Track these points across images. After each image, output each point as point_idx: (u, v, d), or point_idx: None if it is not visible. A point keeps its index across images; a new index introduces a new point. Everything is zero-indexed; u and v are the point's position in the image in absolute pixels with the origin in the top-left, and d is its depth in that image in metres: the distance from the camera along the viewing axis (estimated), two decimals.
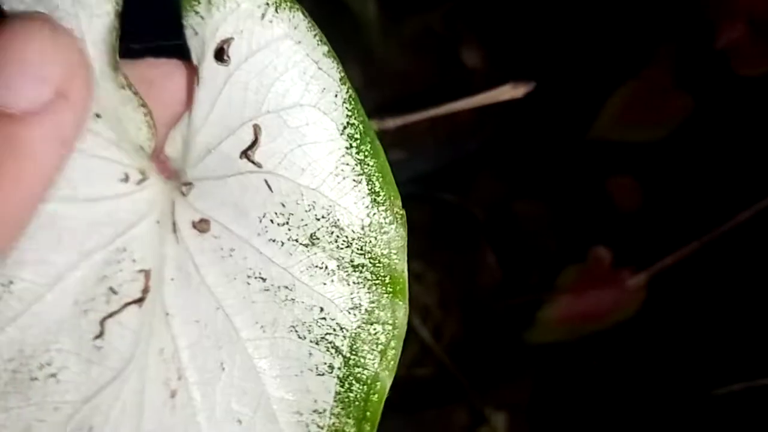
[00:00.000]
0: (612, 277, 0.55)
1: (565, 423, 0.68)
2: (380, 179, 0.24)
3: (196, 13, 0.24)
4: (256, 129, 0.24)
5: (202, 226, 0.24)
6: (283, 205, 0.24)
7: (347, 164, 0.24)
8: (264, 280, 0.24)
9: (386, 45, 0.69)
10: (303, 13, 0.24)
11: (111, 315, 0.23)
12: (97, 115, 0.23)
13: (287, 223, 0.24)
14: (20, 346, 0.22)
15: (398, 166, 0.68)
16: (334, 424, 0.24)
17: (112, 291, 0.23)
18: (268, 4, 0.23)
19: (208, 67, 0.24)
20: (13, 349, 0.22)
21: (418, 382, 0.61)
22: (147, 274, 0.24)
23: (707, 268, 0.64)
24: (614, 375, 0.67)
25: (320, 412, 0.24)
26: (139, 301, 0.24)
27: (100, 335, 0.23)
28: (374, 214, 0.24)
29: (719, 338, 0.67)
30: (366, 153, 0.24)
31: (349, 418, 0.24)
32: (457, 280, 0.65)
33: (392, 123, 0.30)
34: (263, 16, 0.23)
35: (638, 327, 0.61)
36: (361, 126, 0.24)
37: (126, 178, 0.24)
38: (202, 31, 0.24)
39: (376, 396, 0.24)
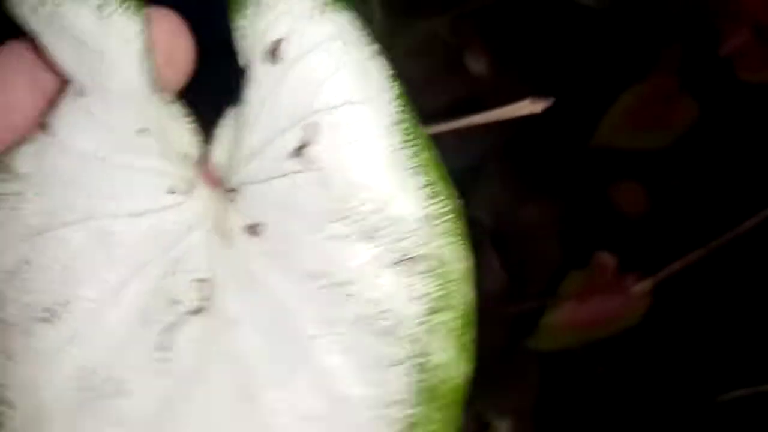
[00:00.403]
0: (617, 283, 0.55)
1: (570, 429, 0.68)
2: (433, 172, 0.24)
3: (246, 15, 0.24)
4: (309, 128, 0.24)
5: (253, 230, 0.24)
6: (338, 202, 0.24)
7: (401, 158, 0.24)
8: (325, 277, 0.24)
9: (391, 51, 0.69)
10: (351, 14, 0.24)
11: (172, 326, 0.23)
12: (142, 131, 0.24)
13: (343, 218, 0.24)
14: (84, 364, 0.23)
15: None
16: (415, 413, 0.24)
17: (172, 302, 0.24)
18: (319, 5, 0.24)
19: (259, 68, 0.24)
20: (78, 369, 0.23)
21: None
22: (204, 282, 0.24)
23: (713, 275, 0.63)
24: (620, 381, 0.67)
25: (399, 403, 0.24)
26: (200, 310, 0.24)
27: (164, 347, 0.23)
28: (430, 205, 0.24)
29: (725, 344, 0.66)
30: (418, 146, 0.24)
31: (433, 405, 0.24)
32: None
33: None
34: (314, 16, 0.24)
35: (644, 333, 0.61)
36: (411, 121, 0.24)
37: (173, 190, 0.24)
38: (252, 32, 0.24)
39: (457, 380, 0.24)
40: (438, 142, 0.71)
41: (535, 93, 0.72)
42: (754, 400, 0.58)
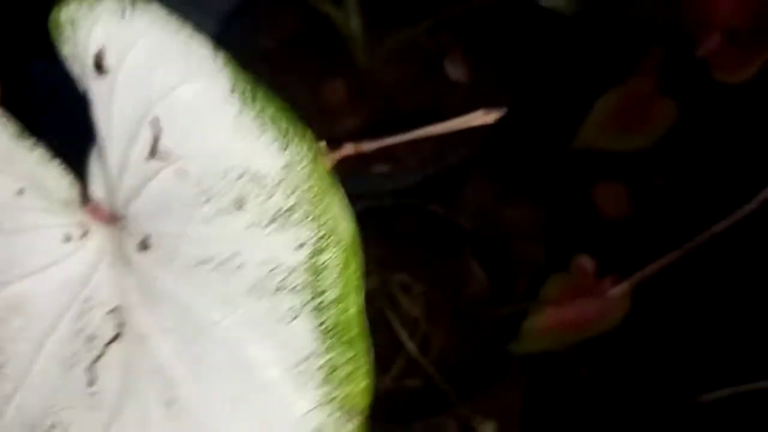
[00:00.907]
0: (596, 286, 0.55)
1: (556, 430, 0.69)
2: (282, 122, 0.24)
3: (65, 39, 0.25)
4: (153, 124, 0.24)
5: (143, 245, 0.25)
6: (201, 184, 0.24)
7: (246, 118, 0.24)
8: (212, 259, 0.24)
9: (371, 59, 0.69)
10: (158, 4, 0.25)
11: (96, 360, 0.24)
12: (21, 191, 0.24)
13: (211, 198, 0.24)
14: (24, 419, 0.24)
15: (382, 179, 0.69)
16: (330, 358, 0.24)
17: (90, 338, 0.25)
18: (124, 4, 0.25)
19: (93, 84, 0.25)
20: (19, 424, 0.24)
21: (406, 394, 0.62)
22: (116, 311, 0.25)
23: (692, 275, 0.64)
24: (603, 383, 0.67)
25: (311, 355, 0.24)
26: (117, 337, 0.25)
27: (92, 382, 0.24)
28: (288, 153, 0.24)
29: (706, 344, 0.67)
30: (261, 103, 0.24)
31: (340, 344, 0.24)
32: (445, 291, 0.65)
33: (367, 146, 0.30)
34: (125, 17, 0.25)
35: (626, 334, 0.61)
36: (247, 83, 0.24)
37: (68, 238, 0.25)
38: (76, 52, 0.25)
39: (353, 310, 0.24)
40: (417, 147, 0.71)
41: (514, 98, 0.72)
42: (736, 400, 0.58)
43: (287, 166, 0.24)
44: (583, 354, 0.67)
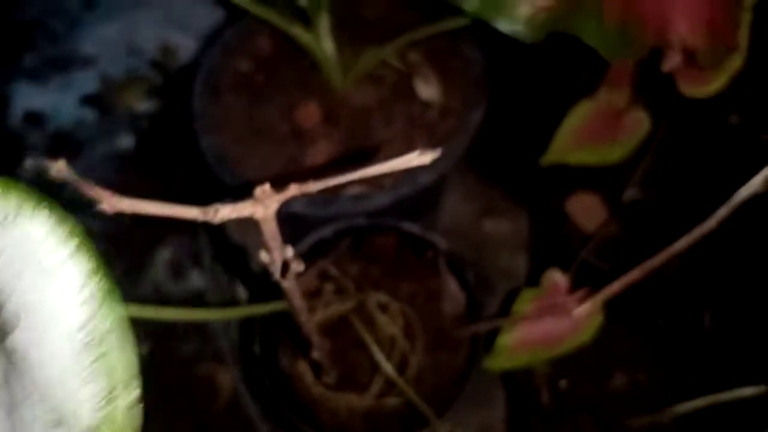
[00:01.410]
0: (567, 301, 0.56)
1: None
2: (118, 373, 0.24)
3: None
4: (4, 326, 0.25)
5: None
6: (28, 395, 0.24)
7: (84, 361, 0.24)
8: None
9: (344, 81, 0.70)
10: (50, 211, 0.24)
11: None
12: None
13: (32, 406, 0.24)
14: None
15: (358, 200, 0.69)
16: None
17: None
18: (11, 211, 0.24)
19: None
20: None
21: (385, 413, 0.62)
22: None
23: (664, 286, 0.65)
24: (581, 395, 0.68)
25: None
26: None
27: None
28: (106, 409, 0.24)
29: (683, 354, 0.68)
30: (104, 349, 0.24)
31: None
32: (422, 309, 0.66)
33: (313, 187, 0.31)
34: (2, 223, 0.24)
35: (603, 345, 0.62)
36: (108, 319, 0.24)
37: None
38: None
39: None
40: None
41: (486, 114, 0.72)
42: (712, 410, 0.59)
43: (100, 422, 0.23)
44: (561, 367, 0.68)
